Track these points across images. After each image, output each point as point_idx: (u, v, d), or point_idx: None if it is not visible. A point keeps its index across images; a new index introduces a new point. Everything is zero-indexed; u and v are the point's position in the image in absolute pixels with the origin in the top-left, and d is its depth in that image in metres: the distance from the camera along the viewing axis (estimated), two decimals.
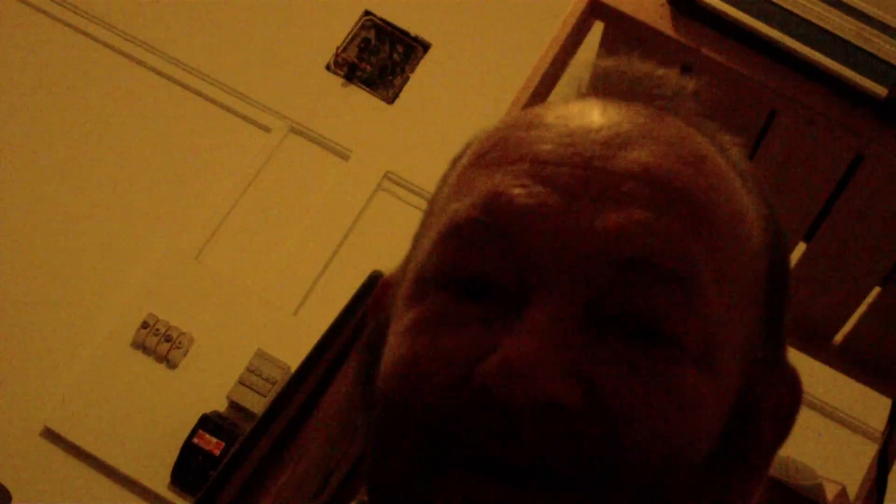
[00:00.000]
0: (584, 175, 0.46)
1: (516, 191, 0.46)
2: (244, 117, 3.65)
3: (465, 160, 0.51)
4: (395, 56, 3.75)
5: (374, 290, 0.57)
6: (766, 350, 0.50)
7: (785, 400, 0.52)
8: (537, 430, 0.42)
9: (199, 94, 3.67)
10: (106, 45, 3.73)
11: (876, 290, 1.44)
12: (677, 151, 0.48)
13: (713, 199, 0.48)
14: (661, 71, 0.53)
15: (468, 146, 0.53)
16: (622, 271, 0.45)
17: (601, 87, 0.52)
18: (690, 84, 0.53)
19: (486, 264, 0.46)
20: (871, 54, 1.15)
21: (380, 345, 0.50)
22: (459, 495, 0.43)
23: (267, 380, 3.13)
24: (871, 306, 1.46)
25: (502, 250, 0.45)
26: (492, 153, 0.49)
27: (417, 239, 0.52)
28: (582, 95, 0.52)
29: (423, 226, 0.52)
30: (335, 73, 3.72)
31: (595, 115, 0.49)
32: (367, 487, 0.49)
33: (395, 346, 0.48)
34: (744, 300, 0.48)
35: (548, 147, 0.47)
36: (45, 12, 3.78)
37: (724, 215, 0.48)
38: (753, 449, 0.50)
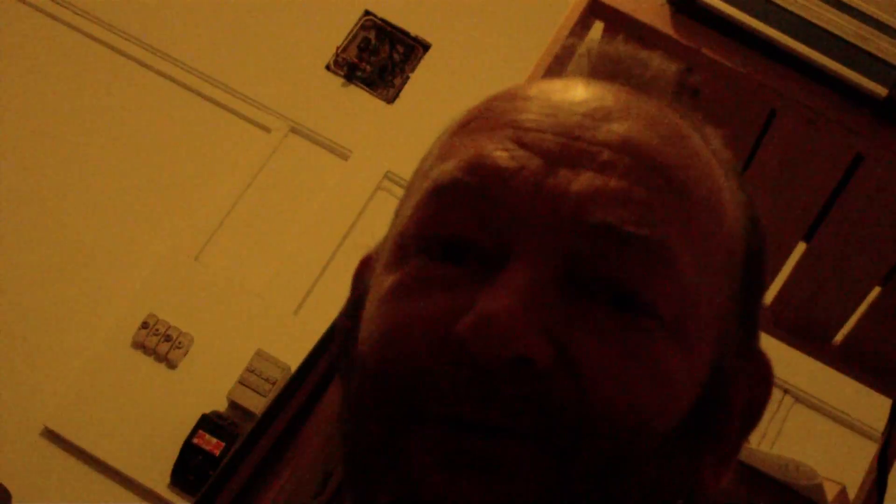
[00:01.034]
0: (565, 143, 0.47)
1: (498, 153, 0.47)
2: (244, 117, 3.65)
3: (447, 132, 0.53)
4: (395, 56, 3.76)
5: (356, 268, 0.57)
6: (740, 335, 0.51)
7: (756, 387, 0.52)
8: (509, 386, 0.43)
9: (199, 94, 3.67)
10: (106, 45, 3.73)
11: (876, 290, 1.44)
12: (657, 128, 0.49)
13: (690, 176, 0.49)
14: (643, 53, 0.54)
15: (450, 122, 0.54)
16: (595, 236, 0.45)
17: (585, 67, 0.54)
18: (672, 67, 0.54)
19: (467, 224, 0.47)
20: (871, 54, 1.15)
21: (358, 315, 0.51)
22: (433, 446, 0.44)
23: (267, 380, 3.14)
24: (871, 306, 1.46)
25: (483, 211, 0.46)
26: (475, 122, 0.50)
27: (397, 211, 0.53)
28: (566, 75, 0.54)
29: (404, 199, 0.53)
30: (335, 73, 3.72)
31: (578, 90, 0.50)
32: (342, 455, 0.50)
33: (374, 310, 0.49)
34: (718, 278, 0.49)
35: (531, 116, 0.49)
36: (45, 12, 3.78)
37: (700, 192, 0.49)
38: (723, 432, 0.51)
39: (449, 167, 0.48)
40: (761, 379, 0.53)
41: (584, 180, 0.46)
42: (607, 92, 0.50)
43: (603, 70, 0.53)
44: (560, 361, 0.44)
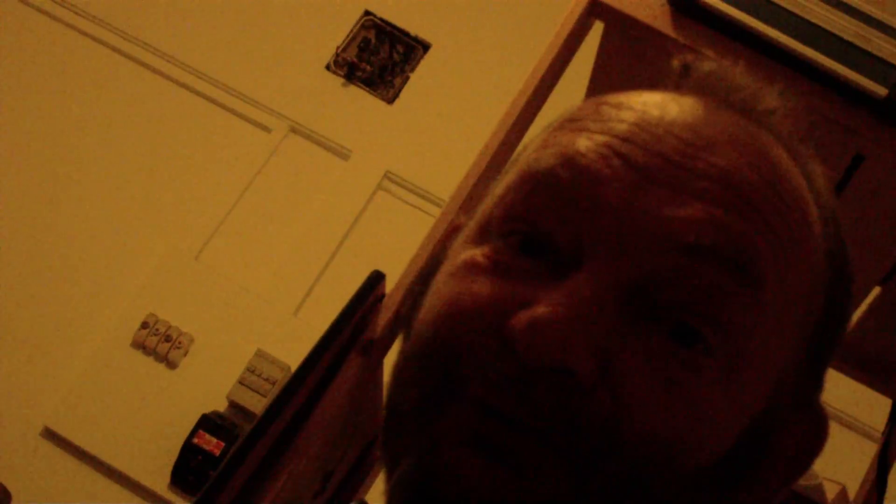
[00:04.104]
0: (662, 164, 0.47)
1: (594, 156, 0.47)
2: (244, 117, 3.65)
3: (554, 123, 0.53)
4: (395, 56, 3.75)
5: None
6: (801, 386, 0.50)
7: (806, 440, 0.52)
8: (546, 391, 0.43)
9: (199, 94, 3.67)
10: (106, 45, 3.73)
11: (876, 290, 1.44)
12: (759, 167, 0.48)
13: (787, 224, 0.47)
14: (760, 84, 0.53)
15: (558, 116, 0.54)
16: (685, 255, 0.45)
17: (699, 87, 0.52)
18: (788, 104, 0.53)
19: (550, 216, 0.47)
20: (871, 54, 1.15)
21: (431, 278, 0.52)
22: (463, 423, 0.44)
23: (267, 380, 3.13)
24: (871, 306, 1.46)
25: (568, 207, 0.46)
26: (581, 121, 0.50)
27: (490, 189, 0.53)
28: (680, 89, 0.52)
29: (499, 178, 0.53)
30: (335, 73, 3.72)
31: (686, 113, 0.49)
32: (384, 419, 0.50)
33: (442, 282, 0.50)
34: (787, 330, 0.48)
35: (634, 130, 0.48)
36: (45, 12, 3.78)
37: (794, 242, 0.48)
38: (762, 477, 0.50)
39: (545, 156, 0.49)
40: (813, 433, 0.52)
41: (680, 201, 0.46)
42: (715, 120, 0.49)
43: (717, 94, 0.52)
44: (602, 379, 0.44)
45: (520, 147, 0.55)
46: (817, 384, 0.52)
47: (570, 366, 0.43)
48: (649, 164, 0.47)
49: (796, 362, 0.49)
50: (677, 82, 0.53)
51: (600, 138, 0.48)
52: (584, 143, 0.48)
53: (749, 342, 0.46)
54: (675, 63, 0.54)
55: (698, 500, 0.47)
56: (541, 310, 0.43)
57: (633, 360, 0.44)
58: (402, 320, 0.55)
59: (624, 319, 0.45)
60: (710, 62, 0.54)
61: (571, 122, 0.51)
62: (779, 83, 0.54)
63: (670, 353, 0.45)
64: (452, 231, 0.56)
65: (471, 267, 0.48)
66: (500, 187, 0.51)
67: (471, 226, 0.52)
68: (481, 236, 0.50)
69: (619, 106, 0.50)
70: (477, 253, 0.49)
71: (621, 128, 0.48)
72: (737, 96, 0.52)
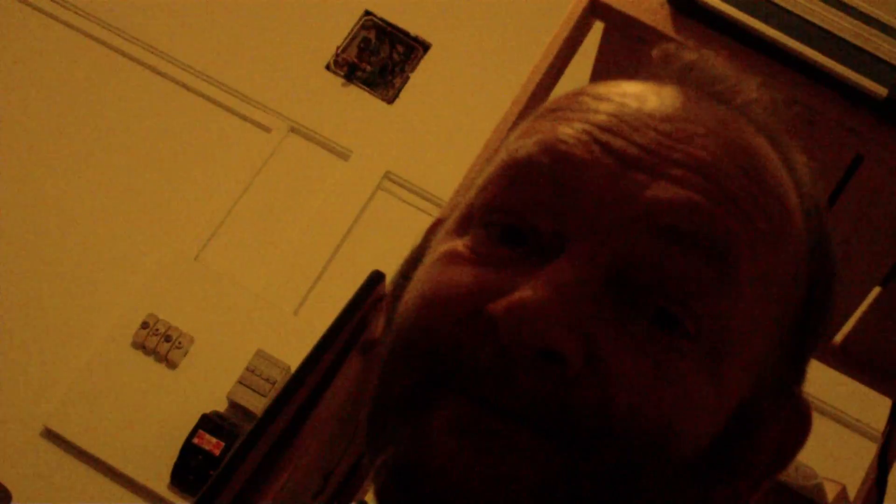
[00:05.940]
0: (640, 153, 0.47)
1: (574, 143, 0.48)
2: (244, 117, 3.66)
3: (534, 115, 0.53)
4: (395, 56, 3.76)
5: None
6: (783, 376, 0.50)
7: (790, 432, 0.51)
8: (532, 375, 0.43)
9: (199, 94, 3.67)
10: (106, 45, 3.73)
11: (876, 290, 1.44)
12: (737, 158, 0.48)
13: (764, 214, 0.48)
14: (741, 74, 0.53)
15: (540, 107, 0.54)
16: (662, 240, 0.45)
17: (681, 77, 0.52)
18: (770, 94, 0.53)
19: (531, 204, 0.47)
20: (871, 54, 1.15)
21: (412, 273, 0.52)
22: (451, 413, 0.44)
23: (267, 380, 3.14)
24: (871, 306, 1.46)
25: (550, 194, 0.46)
26: (561, 111, 0.50)
27: (473, 180, 0.53)
28: (661, 80, 0.52)
29: (481, 169, 0.53)
30: (335, 73, 3.72)
31: (665, 105, 0.49)
32: (368, 413, 0.50)
33: (423, 273, 0.49)
34: (766, 318, 0.48)
35: (612, 121, 0.48)
36: (45, 12, 3.78)
37: (771, 232, 0.48)
38: (744, 469, 0.50)
39: (526, 144, 0.49)
40: (797, 424, 0.52)
41: (659, 185, 0.46)
42: (694, 112, 0.49)
43: (698, 84, 0.52)
44: (587, 362, 0.43)
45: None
46: (799, 374, 0.52)
47: (554, 346, 0.42)
48: (628, 152, 0.47)
49: (776, 352, 0.49)
50: (658, 73, 0.53)
51: (580, 126, 0.48)
52: (564, 131, 0.48)
53: (727, 329, 0.46)
54: (655, 53, 0.54)
55: (685, 492, 0.47)
56: (522, 293, 0.43)
57: (617, 344, 0.44)
58: (386, 313, 0.55)
59: (606, 304, 0.45)
60: (691, 52, 0.54)
61: (551, 112, 0.51)
62: (760, 74, 0.54)
63: (653, 338, 0.45)
64: (433, 227, 0.56)
65: (451, 257, 0.48)
66: (482, 178, 0.51)
67: (452, 218, 0.52)
68: (463, 227, 0.50)
69: (598, 97, 0.50)
70: (458, 243, 0.49)
71: (600, 118, 0.48)
72: (718, 87, 0.52)
